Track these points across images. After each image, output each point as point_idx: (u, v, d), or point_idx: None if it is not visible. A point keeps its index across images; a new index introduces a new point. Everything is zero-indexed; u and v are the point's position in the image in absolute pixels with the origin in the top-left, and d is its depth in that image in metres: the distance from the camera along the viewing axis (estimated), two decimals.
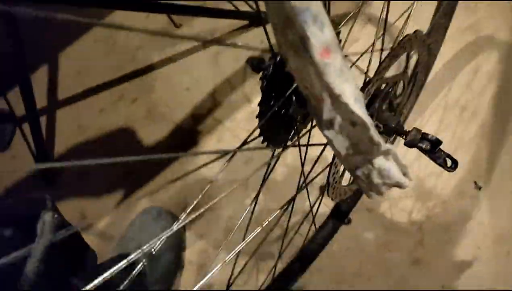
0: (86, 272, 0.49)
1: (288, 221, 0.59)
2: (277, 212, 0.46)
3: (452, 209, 0.87)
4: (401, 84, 0.42)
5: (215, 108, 0.98)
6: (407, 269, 0.83)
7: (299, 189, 0.48)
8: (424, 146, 0.41)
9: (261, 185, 0.45)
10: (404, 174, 0.29)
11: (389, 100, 0.40)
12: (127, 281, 0.34)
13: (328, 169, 0.40)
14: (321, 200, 0.62)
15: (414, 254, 0.84)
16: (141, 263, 0.40)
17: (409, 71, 0.48)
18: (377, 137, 0.25)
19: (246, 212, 0.44)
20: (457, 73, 0.97)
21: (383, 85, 0.38)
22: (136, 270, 0.34)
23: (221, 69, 1.01)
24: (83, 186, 0.92)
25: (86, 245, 0.55)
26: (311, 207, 0.55)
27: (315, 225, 0.67)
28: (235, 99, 0.98)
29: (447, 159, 0.45)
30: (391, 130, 0.40)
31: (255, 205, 0.45)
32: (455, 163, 0.46)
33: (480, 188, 0.88)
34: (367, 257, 0.85)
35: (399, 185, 0.29)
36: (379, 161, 0.27)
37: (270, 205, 0.87)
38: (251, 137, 0.38)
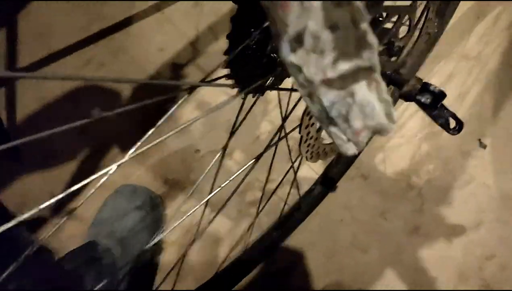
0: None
1: (267, 179, 0.52)
2: (249, 163, 0.40)
3: (454, 170, 0.81)
4: (406, 25, 0.34)
5: (196, 57, 0.88)
6: (405, 239, 0.78)
7: (273, 141, 0.41)
8: (424, 99, 0.34)
9: (231, 133, 0.37)
10: (387, 115, 0.22)
11: (389, 41, 0.32)
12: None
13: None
14: (302, 158, 0.55)
15: (412, 221, 0.79)
16: None
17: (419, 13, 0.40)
18: (372, 37, 0.18)
19: (213, 161, 0.37)
20: (475, 24, 0.88)
21: (381, 17, 0.29)
22: None
23: (201, 25, 0.91)
24: (52, 163, 0.85)
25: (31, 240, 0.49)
26: (292, 163, 0.48)
27: (297, 185, 0.61)
28: (219, 49, 0.88)
29: (450, 118, 0.39)
30: (384, 78, 0.32)
31: (222, 157, 0.39)
32: (459, 124, 0.39)
33: (485, 147, 0.81)
34: (361, 228, 0.80)
35: (381, 130, 0.22)
36: (362, 91, 0.20)
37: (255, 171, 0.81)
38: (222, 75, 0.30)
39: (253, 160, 0.40)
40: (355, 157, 0.82)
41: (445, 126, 0.38)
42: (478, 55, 0.87)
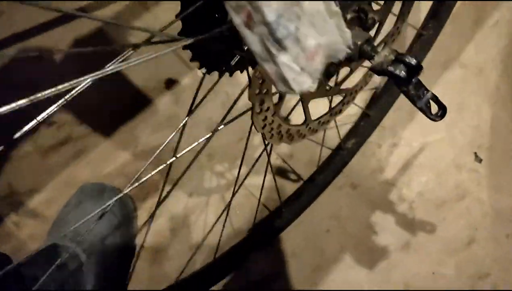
0: None
1: (241, 165, 0.54)
2: (208, 135, 0.42)
3: (448, 184, 0.84)
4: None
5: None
6: (395, 254, 0.80)
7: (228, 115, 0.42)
8: (397, 71, 0.33)
9: (190, 111, 0.39)
10: (339, 29, 0.23)
11: (360, 9, 0.34)
12: None
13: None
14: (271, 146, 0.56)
15: (403, 236, 0.81)
16: None
17: None
18: None
19: (169, 138, 0.41)
20: (473, 31, 0.93)
21: None
22: None
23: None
24: (11, 155, 0.85)
25: None
26: (265, 146, 0.49)
27: (274, 179, 0.62)
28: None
29: (431, 101, 0.37)
30: (354, 48, 0.32)
31: (181, 135, 0.42)
32: (442, 109, 0.38)
33: (481, 161, 0.84)
34: (349, 240, 0.81)
35: (336, 50, 0.23)
36: None
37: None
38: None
39: (211, 133, 0.41)
40: (344, 163, 0.85)
41: (426, 110, 0.37)
42: (476, 64, 0.92)
